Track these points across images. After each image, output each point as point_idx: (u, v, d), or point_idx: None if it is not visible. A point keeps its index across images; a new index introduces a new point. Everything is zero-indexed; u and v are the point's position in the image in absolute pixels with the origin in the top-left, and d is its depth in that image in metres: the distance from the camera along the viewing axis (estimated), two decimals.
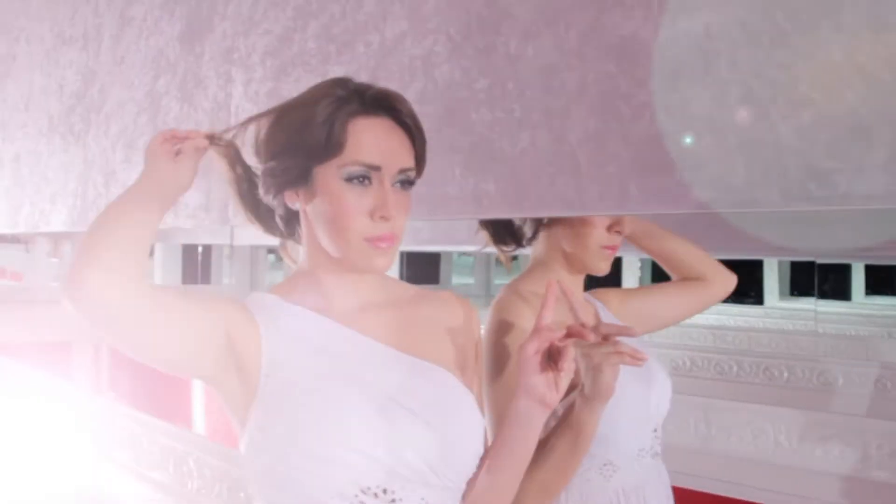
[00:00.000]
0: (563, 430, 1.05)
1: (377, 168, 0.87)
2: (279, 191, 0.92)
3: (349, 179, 0.87)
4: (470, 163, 1.09)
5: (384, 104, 0.90)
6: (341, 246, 0.88)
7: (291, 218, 0.96)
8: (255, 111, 1.59)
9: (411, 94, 1.19)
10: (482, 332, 1.09)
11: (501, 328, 1.16)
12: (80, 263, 0.77)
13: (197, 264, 6.31)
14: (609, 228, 1.22)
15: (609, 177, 0.93)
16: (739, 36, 0.84)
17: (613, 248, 1.24)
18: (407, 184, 0.90)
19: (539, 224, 1.27)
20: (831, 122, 0.78)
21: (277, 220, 0.97)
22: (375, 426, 0.84)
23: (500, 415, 1.12)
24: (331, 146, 0.86)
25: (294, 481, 0.84)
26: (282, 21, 1.48)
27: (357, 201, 0.87)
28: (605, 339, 0.97)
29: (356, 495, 0.83)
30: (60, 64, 2.36)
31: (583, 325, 0.92)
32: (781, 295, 6.33)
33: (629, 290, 1.43)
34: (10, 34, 2.68)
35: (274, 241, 1.03)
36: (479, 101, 1.09)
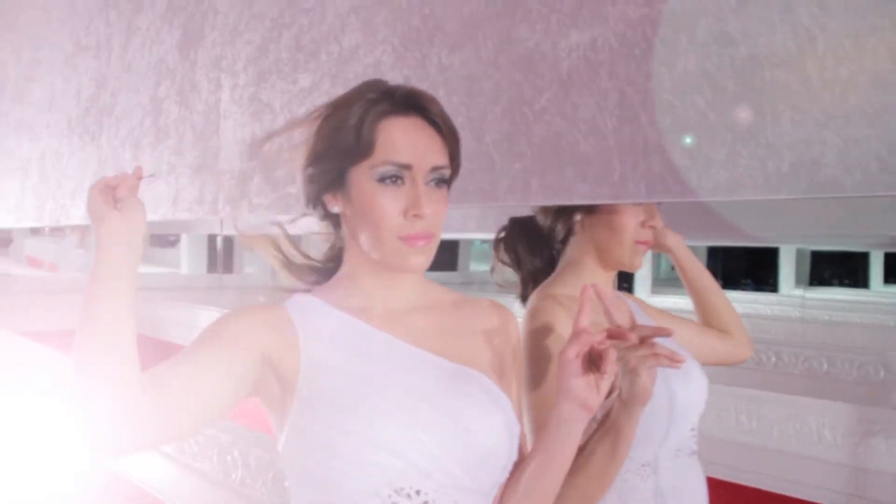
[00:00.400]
0: (602, 436, 1.04)
1: (408, 167, 0.88)
2: (319, 195, 0.94)
3: (382, 180, 0.88)
4: None
5: (413, 103, 0.91)
6: (377, 246, 0.89)
7: (335, 224, 0.97)
8: (239, 114, 1.74)
9: None
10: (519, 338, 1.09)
11: (539, 334, 1.16)
12: (76, 391, 0.78)
13: (220, 254, 6.51)
14: (643, 224, 1.23)
15: (516, 172, 1.06)
16: (618, 48, 0.96)
17: (647, 242, 1.25)
18: (442, 182, 0.90)
19: (571, 223, 1.27)
20: (686, 124, 0.89)
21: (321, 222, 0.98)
22: (410, 429, 0.85)
23: (540, 420, 1.12)
24: (361, 147, 0.88)
25: (329, 481, 0.85)
26: (260, 31, 1.63)
27: (390, 201, 0.88)
28: (642, 341, 0.94)
29: (389, 495, 0.85)
30: (78, 70, 2.55)
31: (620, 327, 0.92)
32: (798, 283, 6.32)
33: (656, 309, 1.42)
34: (35, 41, 2.88)
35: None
36: None
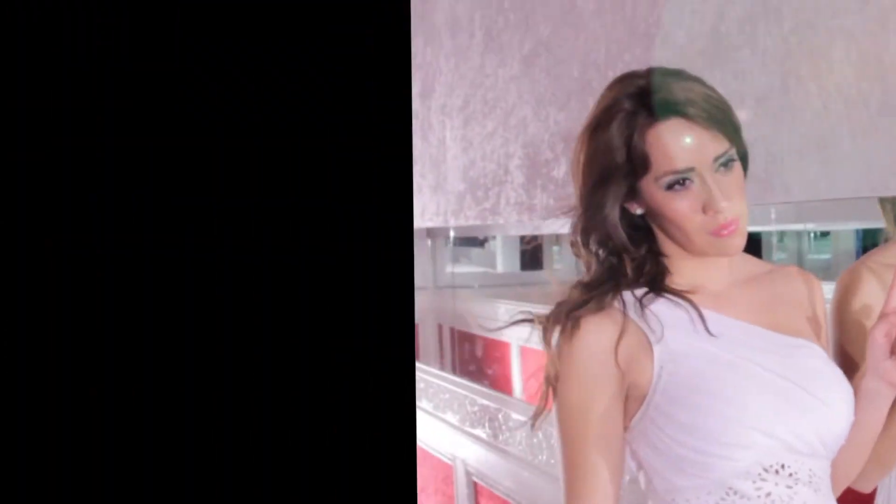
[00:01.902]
0: None
1: (690, 169, 0.87)
2: (620, 203, 0.92)
3: (669, 187, 0.88)
4: None
5: (671, 109, 0.87)
6: (688, 243, 0.91)
7: (636, 222, 0.95)
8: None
9: None
10: (828, 304, 1.09)
11: (848, 302, 1.11)
12: None
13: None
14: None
15: None
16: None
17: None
18: (731, 162, 0.88)
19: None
20: (481, 163, 1.24)
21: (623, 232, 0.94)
22: (774, 405, 0.88)
23: None
24: (638, 164, 0.88)
25: (698, 465, 0.87)
26: None
27: (686, 205, 0.88)
28: None
29: (759, 474, 0.87)
30: None
31: None
32: None
33: None
34: None
35: None
36: None
